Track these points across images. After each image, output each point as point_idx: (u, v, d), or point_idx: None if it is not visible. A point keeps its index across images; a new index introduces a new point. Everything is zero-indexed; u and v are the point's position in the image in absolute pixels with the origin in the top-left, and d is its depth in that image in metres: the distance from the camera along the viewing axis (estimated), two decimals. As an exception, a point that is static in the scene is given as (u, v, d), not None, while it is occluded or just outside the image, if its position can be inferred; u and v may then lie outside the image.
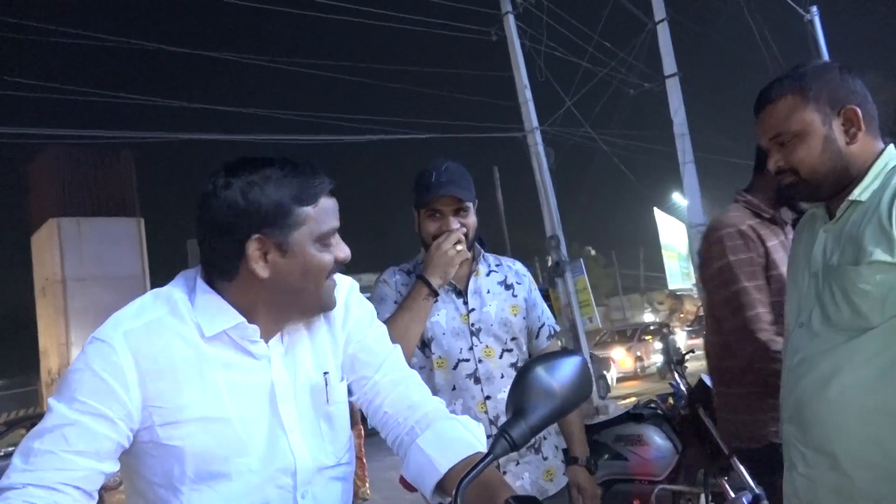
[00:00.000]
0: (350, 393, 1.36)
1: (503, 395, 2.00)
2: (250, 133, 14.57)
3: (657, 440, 3.18)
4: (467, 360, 2.03)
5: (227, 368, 1.16)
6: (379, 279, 2.15)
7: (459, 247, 2.01)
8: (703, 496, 3.07)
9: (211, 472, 1.14)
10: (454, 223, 2.03)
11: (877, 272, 1.36)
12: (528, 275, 2.26)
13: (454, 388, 2.01)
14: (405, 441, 1.24)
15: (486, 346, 2.05)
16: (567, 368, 1.04)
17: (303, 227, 1.16)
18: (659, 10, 15.79)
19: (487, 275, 2.16)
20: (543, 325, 2.21)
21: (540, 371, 1.02)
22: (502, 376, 2.04)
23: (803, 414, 1.47)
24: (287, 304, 1.21)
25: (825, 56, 17.45)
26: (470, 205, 2.07)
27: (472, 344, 2.04)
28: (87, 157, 19.65)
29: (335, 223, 1.21)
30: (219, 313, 1.16)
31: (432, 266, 2.00)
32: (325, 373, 1.27)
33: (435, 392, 1.91)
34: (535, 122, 15.14)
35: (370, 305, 1.40)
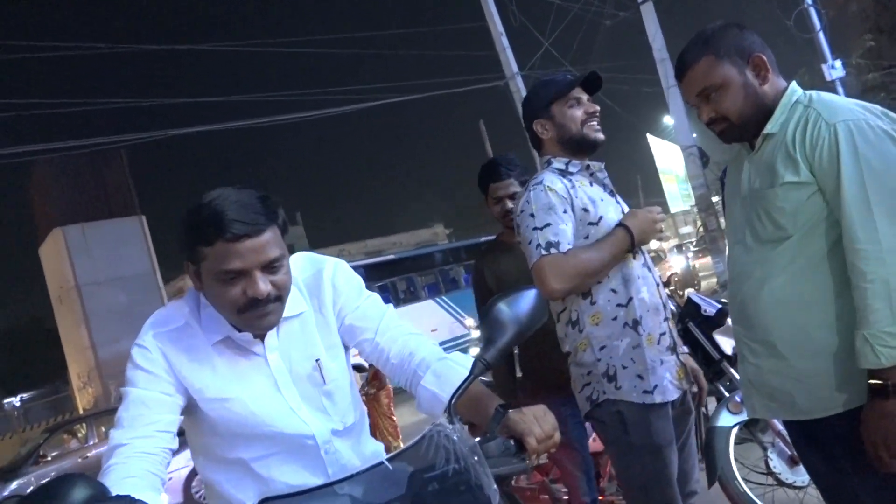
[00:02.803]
0: (361, 353, 1.64)
1: (661, 282, 2.28)
2: (236, 120, 14.71)
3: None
4: (639, 252, 2.23)
5: (233, 363, 1.49)
6: (539, 187, 2.17)
7: (663, 227, 2.22)
8: (699, 401, 3.40)
9: (242, 434, 1.48)
10: (594, 106, 2.24)
11: (788, 191, 1.65)
12: None
13: (639, 277, 2.18)
14: (412, 383, 1.53)
15: None
16: (524, 301, 1.33)
17: (204, 261, 1.38)
18: (626, -64, 15.67)
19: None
20: None
21: (502, 306, 1.32)
22: (654, 267, 2.29)
23: (746, 314, 1.78)
24: (228, 320, 1.46)
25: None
26: None
27: None
28: (82, 164, 19.78)
29: (235, 266, 1.34)
30: (216, 325, 1.48)
31: (638, 224, 2.14)
32: (317, 359, 1.54)
33: (628, 281, 2.14)
34: (515, 69, 15.22)
35: (358, 278, 1.63)
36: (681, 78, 1.81)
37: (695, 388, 2.44)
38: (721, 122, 1.77)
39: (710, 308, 3.48)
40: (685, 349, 2.44)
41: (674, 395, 2.15)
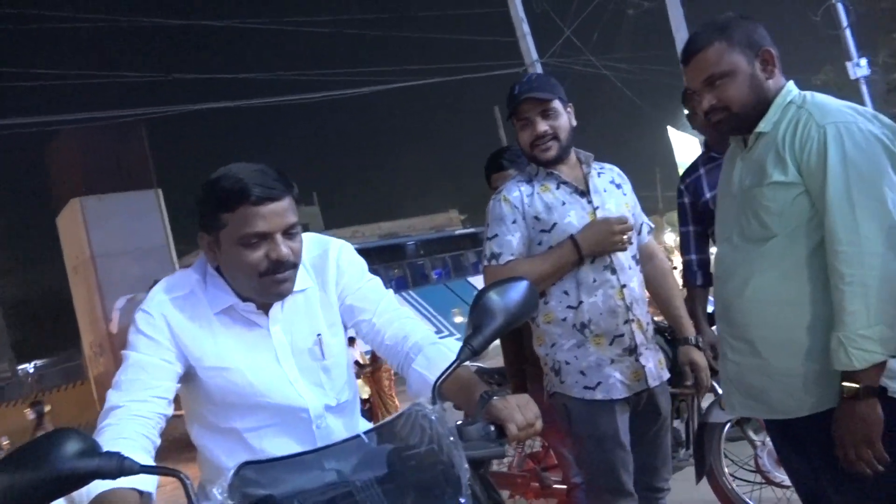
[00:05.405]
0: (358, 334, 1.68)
1: (634, 283, 2.25)
2: (257, 97, 14.76)
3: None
4: (607, 256, 2.21)
5: (235, 333, 1.53)
6: (497, 197, 2.29)
7: (626, 238, 2.19)
8: (695, 396, 3.42)
9: (238, 404, 1.52)
10: (541, 125, 2.22)
11: (776, 191, 1.65)
12: (626, 176, 2.45)
13: (594, 281, 2.20)
14: (404, 366, 1.56)
15: None
16: (515, 292, 1.36)
17: (225, 228, 1.42)
18: (653, -75, 15.47)
19: (599, 176, 2.33)
20: (643, 222, 2.44)
21: (492, 295, 1.34)
22: (630, 267, 2.26)
23: (729, 312, 1.79)
24: (242, 288, 1.50)
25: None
26: (557, 107, 2.24)
27: None
28: (100, 137, 19.93)
29: (259, 228, 1.40)
30: (220, 294, 1.53)
31: (591, 236, 2.16)
32: (318, 334, 1.58)
33: (580, 284, 2.19)
34: (535, 56, 15.10)
35: (361, 261, 1.68)
36: (688, 61, 1.79)
37: (689, 383, 2.47)
38: (721, 112, 1.76)
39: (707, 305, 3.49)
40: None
41: (621, 393, 2.19)
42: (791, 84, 1.76)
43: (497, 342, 2.64)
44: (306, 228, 1.54)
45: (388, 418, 1.21)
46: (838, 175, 1.56)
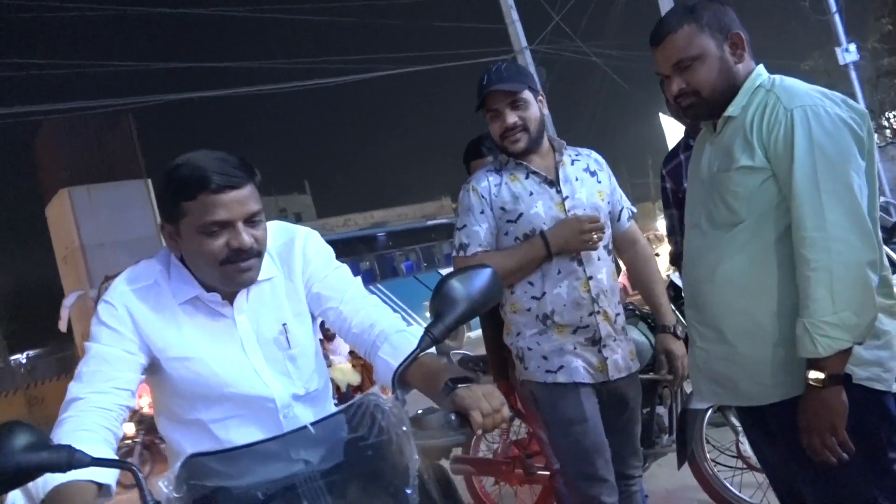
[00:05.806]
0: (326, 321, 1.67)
1: (602, 275, 2.23)
2: (246, 86, 14.65)
3: (633, 336, 3.51)
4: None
5: (200, 323, 1.52)
6: (466, 187, 2.28)
7: (596, 237, 2.16)
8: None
9: (203, 395, 1.51)
10: (511, 117, 2.18)
11: (743, 175, 1.63)
12: (605, 162, 2.42)
13: (559, 272, 2.19)
14: (371, 354, 1.55)
15: None
16: (478, 279, 1.34)
17: (185, 217, 1.40)
18: None
19: (572, 164, 2.30)
20: (623, 208, 2.40)
21: (454, 283, 1.32)
22: (599, 258, 2.24)
23: (697, 298, 1.77)
24: (205, 278, 1.48)
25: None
26: (526, 97, 2.19)
27: None
28: (88, 126, 19.78)
29: (220, 216, 1.38)
30: (184, 284, 1.51)
31: (560, 234, 2.15)
32: (284, 324, 1.57)
33: (545, 276, 2.18)
34: (524, 42, 15.03)
35: (328, 249, 1.66)
36: (658, 44, 1.75)
37: (664, 371, 2.47)
38: (690, 96, 1.73)
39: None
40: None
41: (584, 378, 2.19)
42: (761, 68, 1.74)
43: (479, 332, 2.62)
44: (299, 218, 1.51)
45: (340, 408, 1.19)
46: (805, 159, 1.54)
